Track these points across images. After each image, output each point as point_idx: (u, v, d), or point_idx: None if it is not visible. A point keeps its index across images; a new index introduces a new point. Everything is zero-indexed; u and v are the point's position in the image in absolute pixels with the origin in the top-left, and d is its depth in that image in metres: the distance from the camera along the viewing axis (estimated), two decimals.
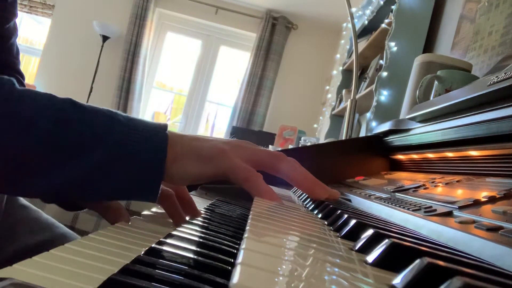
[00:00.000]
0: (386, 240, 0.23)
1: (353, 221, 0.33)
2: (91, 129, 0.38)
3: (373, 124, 1.66)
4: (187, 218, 0.48)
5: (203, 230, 0.40)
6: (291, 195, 0.88)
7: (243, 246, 0.20)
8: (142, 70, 4.47)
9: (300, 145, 2.90)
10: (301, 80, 4.57)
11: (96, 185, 0.38)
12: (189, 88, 4.75)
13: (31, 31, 5.06)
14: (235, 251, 0.32)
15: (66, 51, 4.42)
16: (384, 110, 1.70)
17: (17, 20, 0.62)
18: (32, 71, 4.91)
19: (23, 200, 0.64)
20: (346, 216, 0.36)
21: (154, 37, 4.65)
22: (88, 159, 0.37)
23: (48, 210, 0.88)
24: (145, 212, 0.49)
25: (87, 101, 3.90)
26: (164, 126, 0.43)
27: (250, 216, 0.32)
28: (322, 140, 3.19)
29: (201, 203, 0.61)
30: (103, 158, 0.38)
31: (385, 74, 1.73)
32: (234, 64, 4.81)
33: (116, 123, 0.40)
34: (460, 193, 0.50)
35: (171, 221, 0.47)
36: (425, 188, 0.59)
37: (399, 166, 0.96)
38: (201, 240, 0.36)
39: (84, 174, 0.37)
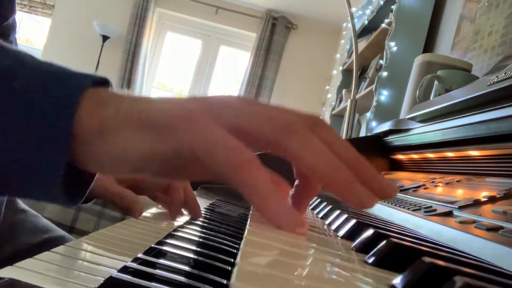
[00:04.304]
0: (386, 240, 0.23)
1: (353, 221, 0.33)
2: None
3: (373, 124, 1.65)
4: (187, 217, 0.48)
5: (203, 230, 0.40)
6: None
7: (243, 246, 0.20)
8: (142, 70, 4.47)
9: None
10: (301, 80, 4.57)
11: None
12: (189, 88, 4.75)
13: (31, 31, 5.06)
14: (235, 251, 0.32)
15: (66, 51, 4.42)
16: (384, 110, 1.70)
17: (17, 20, 0.61)
18: None
19: (22, 204, 0.64)
20: (345, 216, 0.36)
21: (154, 37, 4.65)
22: None
23: (48, 211, 0.88)
24: (145, 214, 0.49)
25: None
26: (95, 77, 0.27)
27: (250, 216, 0.32)
28: None
29: (201, 203, 0.61)
30: None
31: (385, 74, 1.73)
32: (234, 64, 4.80)
33: (5, 53, 0.26)
34: (460, 193, 0.50)
35: (172, 221, 0.47)
36: (425, 188, 0.59)
37: (399, 166, 0.96)
38: (201, 240, 0.36)
39: None
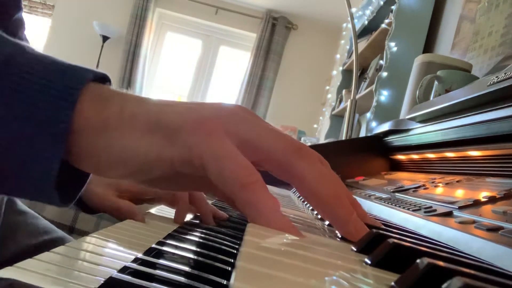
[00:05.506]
0: (386, 241, 0.23)
1: None
2: None
3: (373, 124, 1.65)
4: (187, 218, 0.48)
5: (203, 230, 0.40)
6: (290, 195, 0.88)
7: (243, 246, 0.20)
8: (142, 70, 4.47)
9: None
10: (301, 80, 4.57)
11: None
12: (189, 88, 4.75)
13: (31, 31, 5.06)
14: (235, 252, 0.32)
15: (66, 51, 4.42)
16: (384, 110, 1.70)
17: None
18: None
19: (22, 206, 0.64)
20: None
21: (154, 37, 4.65)
22: None
23: (48, 211, 0.88)
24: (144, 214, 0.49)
25: None
26: (96, 72, 0.27)
27: None
28: (322, 140, 3.19)
29: None
30: None
31: (385, 74, 1.73)
32: (234, 64, 4.80)
33: (4, 42, 0.25)
34: (460, 193, 0.50)
35: (172, 221, 0.47)
36: (425, 188, 0.59)
37: (399, 166, 0.96)
38: (201, 240, 0.36)
39: None
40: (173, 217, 0.47)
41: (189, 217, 0.49)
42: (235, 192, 0.25)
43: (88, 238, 0.31)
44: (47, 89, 0.24)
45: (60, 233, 0.64)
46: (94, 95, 0.25)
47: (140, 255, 0.27)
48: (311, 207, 0.52)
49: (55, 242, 0.61)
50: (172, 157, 0.25)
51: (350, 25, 1.74)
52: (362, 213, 0.32)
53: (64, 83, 0.24)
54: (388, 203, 0.56)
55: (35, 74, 0.24)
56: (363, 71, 2.77)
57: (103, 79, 0.27)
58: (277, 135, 0.27)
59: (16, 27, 0.58)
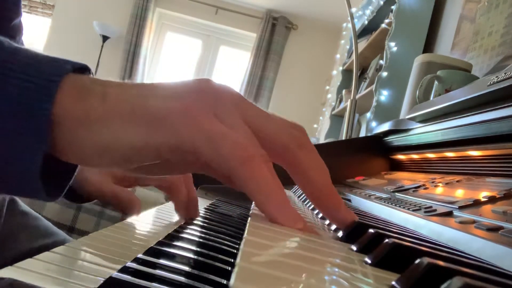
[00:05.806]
0: (386, 240, 0.23)
1: None
2: None
3: (373, 124, 1.65)
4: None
5: (203, 230, 0.40)
6: (290, 195, 0.88)
7: (242, 246, 0.20)
8: (142, 70, 4.47)
9: None
10: (301, 80, 4.57)
11: None
12: None
13: (31, 31, 5.06)
14: (235, 251, 0.32)
15: (66, 51, 4.42)
16: (384, 110, 1.70)
17: None
18: None
19: (23, 207, 0.64)
20: None
21: (154, 37, 4.65)
22: None
23: (47, 211, 0.88)
24: (145, 214, 0.49)
25: None
26: (75, 63, 0.26)
27: (250, 215, 0.32)
28: (322, 140, 3.19)
29: (201, 203, 0.61)
30: None
31: (385, 74, 1.73)
32: (234, 64, 4.80)
33: None
34: (460, 193, 0.50)
35: (172, 221, 0.47)
36: (425, 188, 0.59)
37: (399, 166, 0.96)
38: (201, 240, 0.36)
39: None
40: (173, 218, 0.47)
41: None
42: (234, 168, 0.24)
43: (88, 238, 0.31)
44: (25, 83, 0.23)
45: (62, 236, 0.64)
46: (74, 86, 0.25)
47: (140, 255, 0.27)
48: (310, 207, 0.52)
49: (57, 245, 0.61)
50: (159, 145, 0.25)
51: (350, 25, 1.74)
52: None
53: (42, 76, 0.24)
54: (388, 203, 0.56)
55: (13, 69, 0.24)
56: (363, 71, 2.77)
57: (83, 69, 0.27)
58: (279, 124, 0.28)
59: (15, 32, 0.58)
